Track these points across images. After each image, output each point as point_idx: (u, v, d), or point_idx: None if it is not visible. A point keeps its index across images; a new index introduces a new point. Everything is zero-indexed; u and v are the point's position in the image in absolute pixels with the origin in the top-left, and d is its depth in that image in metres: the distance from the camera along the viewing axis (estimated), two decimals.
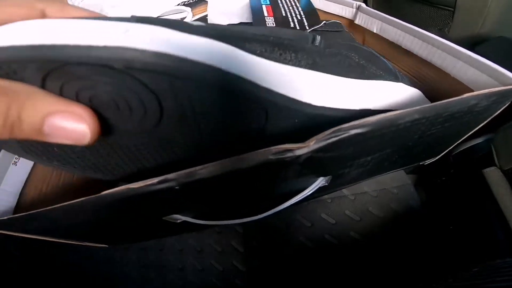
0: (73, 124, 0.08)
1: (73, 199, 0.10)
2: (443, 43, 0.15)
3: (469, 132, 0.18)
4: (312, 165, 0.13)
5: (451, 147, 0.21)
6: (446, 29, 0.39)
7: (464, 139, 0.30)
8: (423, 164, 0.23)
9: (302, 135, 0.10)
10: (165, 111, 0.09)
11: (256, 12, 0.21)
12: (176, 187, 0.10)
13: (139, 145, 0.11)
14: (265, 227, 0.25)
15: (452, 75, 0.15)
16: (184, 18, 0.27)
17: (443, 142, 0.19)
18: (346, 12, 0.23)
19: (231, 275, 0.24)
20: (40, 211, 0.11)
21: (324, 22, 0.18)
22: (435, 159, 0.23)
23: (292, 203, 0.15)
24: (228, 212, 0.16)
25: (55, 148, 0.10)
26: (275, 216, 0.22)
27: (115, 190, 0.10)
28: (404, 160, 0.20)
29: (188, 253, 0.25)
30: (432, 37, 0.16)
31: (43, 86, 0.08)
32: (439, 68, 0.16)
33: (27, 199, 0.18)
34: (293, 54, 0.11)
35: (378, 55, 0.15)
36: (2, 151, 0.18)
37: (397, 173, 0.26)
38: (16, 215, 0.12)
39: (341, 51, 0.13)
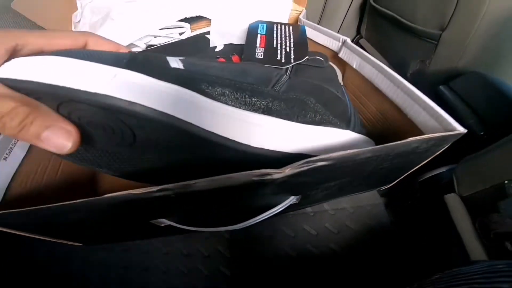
0: (60, 138, 0.11)
1: (55, 196, 0.12)
2: (405, 86, 0.18)
3: (415, 166, 0.20)
4: (286, 186, 0.15)
5: (402, 177, 0.24)
6: (428, 61, 0.42)
7: (430, 168, 0.34)
8: (379, 189, 0.26)
9: (242, 167, 0.12)
10: (137, 137, 0.12)
11: (249, 41, 0.23)
12: (172, 196, 0.12)
13: (122, 153, 0.13)
14: (252, 235, 0.27)
15: (408, 116, 0.17)
16: (183, 33, 0.29)
17: (393, 174, 0.22)
18: (332, 44, 0.25)
19: (216, 279, 0.25)
20: (38, 208, 0.12)
21: (307, 58, 0.21)
22: (388, 186, 0.26)
23: (267, 215, 0.17)
24: (212, 220, 0.18)
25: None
26: (261, 226, 0.24)
27: (119, 194, 0.12)
28: (363, 186, 0.23)
29: (174, 256, 0.26)
30: (398, 79, 0.18)
31: (57, 110, 0.12)
32: (399, 108, 0.18)
33: (12, 194, 0.18)
34: (248, 99, 0.13)
35: (343, 97, 0.17)
36: None
37: (371, 193, 0.29)
38: (13, 211, 0.13)
39: (299, 96, 0.15)
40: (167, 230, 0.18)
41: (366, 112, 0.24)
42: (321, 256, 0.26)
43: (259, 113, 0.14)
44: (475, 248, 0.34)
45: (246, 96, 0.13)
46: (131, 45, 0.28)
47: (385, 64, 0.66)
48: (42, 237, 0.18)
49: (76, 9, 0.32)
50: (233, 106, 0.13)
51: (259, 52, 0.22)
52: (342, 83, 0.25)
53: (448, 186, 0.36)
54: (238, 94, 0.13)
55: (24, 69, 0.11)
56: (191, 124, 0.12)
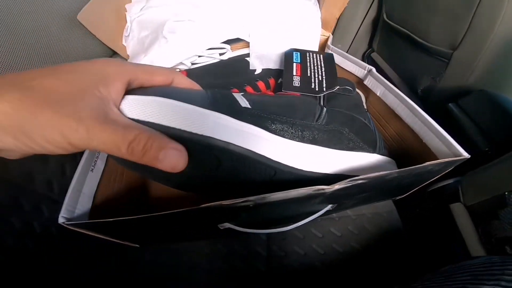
0: (175, 156, 0.13)
1: (120, 199, 0.16)
2: (423, 116, 0.21)
3: (426, 182, 0.24)
4: (331, 197, 0.19)
5: (414, 189, 0.28)
6: (438, 78, 0.45)
7: (438, 180, 0.38)
8: (394, 199, 0.30)
9: (294, 184, 0.16)
10: (222, 163, 0.16)
11: (287, 69, 0.27)
12: (251, 206, 0.16)
13: (204, 177, 0.17)
14: (286, 235, 0.31)
15: (424, 141, 0.21)
16: (223, 53, 0.33)
17: (408, 187, 0.26)
18: (358, 72, 0.29)
19: (254, 275, 0.29)
20: (134, 217, 0.16)
21: (337, 87, 0.24)
22: (402, 196, 0.30)
23: (309, 220, 0.22)
24: (263, 223, 0.22)
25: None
26: (294, 228, 0.28)
27: (212, 204, 0.15)
28: (383, 197, 0.28)
29: (216, 256, 0.29)
30: (417, 110, 0.22)
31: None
32: (417, 134, 0.22)
33: (97, 199, 0.22)
34: (300, 133, 0.18)
35: (370, 125, 0.22)
36: (84, 159, 0.22)
37: (386, 201, 0.33)
38: (109, 220, 0.16)
39: (337, 128, 0.19)
40: (224, 232, 0.22)
41: (385, 133, 0.28)
42: (344, 253, 0.31)
43: (307, 143, 0.18)
44: (478, 252, 0.38)
45: (299, 130, 0.18)
46: (179, 63, 0.31)
47: (395, 78, 0.69)
48: (109, 238, 0.22)
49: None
50: (289, 139, 0.17)
51: (296, 81, 0.26)
52: (365, 107, 0.29)
53: (454, 196, 0.40)
54: (293, 129, 0.18)
55: (147, 111, 0.14)
56: (264, 156, 0.16)
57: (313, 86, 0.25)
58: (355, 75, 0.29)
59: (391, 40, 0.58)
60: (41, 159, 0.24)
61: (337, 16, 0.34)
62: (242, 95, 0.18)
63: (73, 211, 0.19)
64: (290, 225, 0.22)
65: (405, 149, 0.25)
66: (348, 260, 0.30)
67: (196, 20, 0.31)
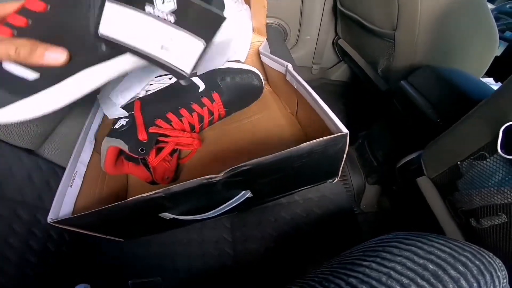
0: (57, 53, 0.16)
1: (103, 205, 0.21)
2: (319, 103, 0.23)
3: (334, 163, 0.26)
4: (229, 184, 0.22)
5: (336, 172, 0.29)
6: (391, 58, 0.45)
7: (404, 155, 0.39)
8: (324, 183, 0.32)
9: None
10: None
11: None
12: (163, 195, 0.21)
13: None
14: (245, 223, 0.35)
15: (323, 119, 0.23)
16: (171, 78, 0.37)
17: (321, 171, 0.27)
18: (281, 69, 0.32)
19: (224, 257, 0.34)
20: (95, 210, 0.21)
21: None
22: (332, 180, 0.31)
23: (231, 205, 0.25)
24: (197, 212, 0.27)
25: None
26: (252, 216, 0.33)
27: (132, 198, 0.20)
28: (304, 182, 0.29)
29: (193, 244, 0.35)
30: (316, 99, 0.24)
31: None
32: (318, 115, 0.24)
33: (77, 208, 0.27)
34: None
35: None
36: (64, 177, 0.28)
37: (334, 185, 0.35)
38: (85, 213, 0.22)
39: None
40: (173, 222, 0.27)
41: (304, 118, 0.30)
42: (295, 233, 0.34)
43: None
44: (448, 226, 0.37)
45: None
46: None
47: (361, 62, 0.71)
48: (96, 234, 0.27)
49: None
50: None
51: None
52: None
53: (419, 170, 0.40)
54: None
55: None
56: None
57: None
58: (281, 72, 0.33)
59: (349, 26, 0.58)
60: (28, 178, 0.30)
61: (264, 23, 0.37)
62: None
63: (58, 215, 0.25)
64: (215, 211, 0.26)
65: (315, 129, 0.27)
66: (299, 239, 0.34)
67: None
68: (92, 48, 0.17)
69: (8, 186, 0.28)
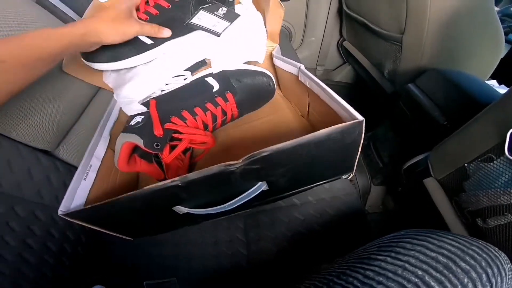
0: (164, 31, 0.33)
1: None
2: (335, 98, 0.23)
3: (350, 154, 0.25)
4: (246, 173, 0.21)
5: (351, 165, 0.27)
6: (398, 61, 0.46)
7: (410, 156, 0.39)
8: (339, 178, 0.30)
9: None
10: None
11: None
12: (180, 184, 0.20)
13: None
14: (259, 223, 0.36)
15: (336, 112, 0.24)
16: (186, 78, 0.38)
17: (337, 163, 0.26)
18: (294, 70, 0.33)
19: (238, 257, 0.35)
20: (109, 200, 0.21)
21: None
22: (347, 175, 0.30)
23: (247, 198, 0.24)
24: (211, 206, 0.26)
25: None
26: (265, 216, 0.34)
27: (148, 187, 0.20)
28: (318, 175, 0.28)
29: (207, 244, 0.36)
30: (333, 96, 0.24)
31: None
32: (330, 107, 0.24)
33: (90, 201, 0.27)
34: None
35: None
36: (79, 169, 0.27)
37: (345, 185, 0.36)
38: (95, 204, 0.21)
39: None
40: (186, 218, 0.27)
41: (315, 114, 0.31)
42: (308, 233, 0.35)
43: None
44: (455, 226, 0.38)
45: None
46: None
47: (366, 64, 0.72)
48: (105, 231, 0.27)
49: None
50: None
51: None
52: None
53: (426, 171, 0.41)
54: None
55: None
56: None
57: None
58: (293, 74, 0.33)
59: (355, 28, 0.59)
60: (46, 179, 0.31)
61: (278, 31, 0.38)
62: None
63: (69, 207, 0.24)
64: (231, 203, 0.25)
65: (322, 122, 0.27)
66: (312, 239, 0.34)
67: (166, 53, 0.37)
68: (182, 29, 0.34)
69: (27, 187, 0.28)
